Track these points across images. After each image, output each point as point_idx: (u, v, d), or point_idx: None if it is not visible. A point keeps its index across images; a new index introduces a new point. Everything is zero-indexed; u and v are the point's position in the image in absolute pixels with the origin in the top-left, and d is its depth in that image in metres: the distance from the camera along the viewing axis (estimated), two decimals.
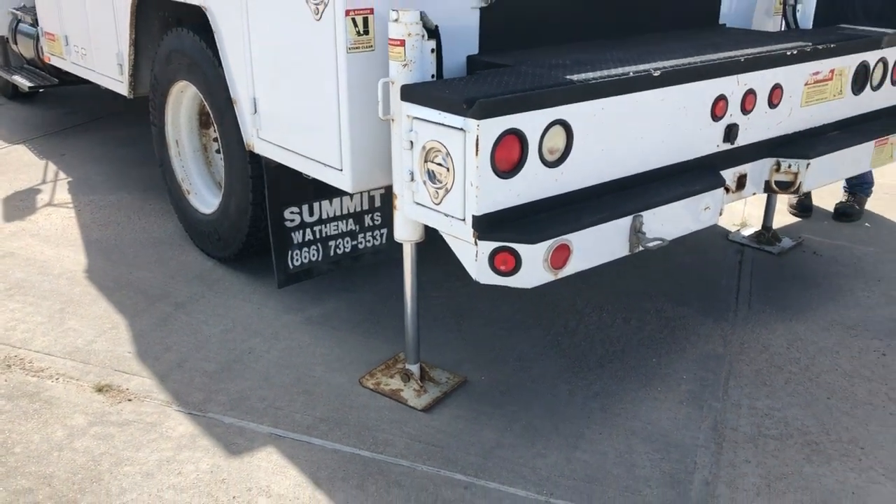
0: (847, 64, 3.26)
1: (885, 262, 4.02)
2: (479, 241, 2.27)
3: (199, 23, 3.30)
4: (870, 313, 3.50)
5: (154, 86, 3.91)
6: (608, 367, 3.06)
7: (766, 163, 3.08)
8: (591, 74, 2.47)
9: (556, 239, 2.31)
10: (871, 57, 3.36)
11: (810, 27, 3.77)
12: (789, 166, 3.07)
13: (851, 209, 4.52)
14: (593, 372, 3.03)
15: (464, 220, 2.28)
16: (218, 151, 3.72)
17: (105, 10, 4.07)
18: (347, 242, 3.39)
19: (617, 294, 3.63)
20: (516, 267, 2.29)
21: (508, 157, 2.25)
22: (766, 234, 4.18)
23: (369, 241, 3.43)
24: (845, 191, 4.62)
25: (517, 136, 2.25)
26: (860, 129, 3.42)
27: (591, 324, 3.38)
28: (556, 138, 2.35)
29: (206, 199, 3.84)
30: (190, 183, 3.93)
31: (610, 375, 3.01)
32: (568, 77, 2.43)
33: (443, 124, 2.24)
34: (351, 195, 3.30)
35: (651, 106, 2.57)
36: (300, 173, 2.98)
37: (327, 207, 3.29)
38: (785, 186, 3.11)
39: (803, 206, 4.58)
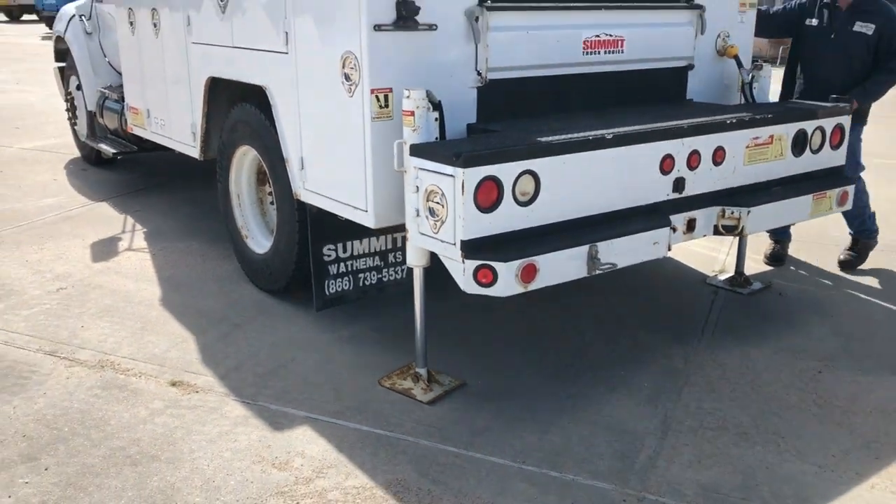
0: (786, 131, 3.96)
1: (842, 304, 4.61)
2: (465, 260, 2.99)
3: (260, 99, 4.15)
4: (817, 342, 4.10)
5: (221, 150, 4.77)
6: (583, 377, 3.71)
7: (714, 210, 3.76)
8: (557, 137, 3.22)
9: (525, 259, 3.02)
10: (808, 126, 4.05)
11: (767, 101, 4.49)
12: (732, 213, 3.75)
13: (780, 255, 5.18)
14: (570, 380, 3.68)
15: (454, 244, 3.01)
16: (272, 203, 4.52)
17: (183, 89, 4.98)
18: (374, 275, 4.14)
19: (600, 322, 4.29)
20: (494, 280, 3.00)
21: (488, 197, 2.99)
22: (739, 278, 4.80)
23: (392, 274, 4.18)
24: (772, 239, 5.24)
25: (494, 181, 2.99)
26: (802, 184, 4.08)
27: (575, 344, 4.04)
28: (527, 184, 3.09)
29: (260, 242, 4.64)
30: (248, 229, 4.74)
31: (584, 383, 3.66)
32: (538, 138, 3.18)
33: (439, 172, 3.00)
34: (377, 236, 4.06)
35: (606, 161, 3.30)
36: (336, 216, 3.75)
37: (358, 246, 4.06)
38: (730, 230, 3.78)
39: (776, 257, 5.20)
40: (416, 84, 3.31)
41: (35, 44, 22.53)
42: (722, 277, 4.88)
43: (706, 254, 5.34)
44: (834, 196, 4.15)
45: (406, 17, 3.28)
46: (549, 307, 4.38)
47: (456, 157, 2.92)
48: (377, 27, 3.24)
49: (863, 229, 5.13)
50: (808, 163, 4.13)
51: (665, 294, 4.72)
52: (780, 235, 5.24)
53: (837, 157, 4.27)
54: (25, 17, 32.84)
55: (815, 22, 4.91)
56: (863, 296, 4.71)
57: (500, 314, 4.28)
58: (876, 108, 5.05)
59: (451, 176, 2.94)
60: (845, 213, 4.94)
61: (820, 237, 5.68)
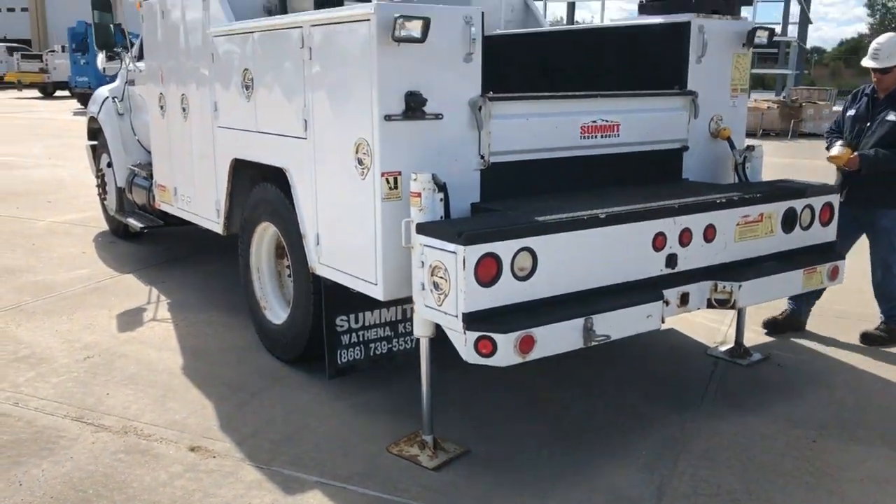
0: (775, 209, 4.18)
1: (838, 374, 4.74)
2: (466, 332, 3.20)
3: (280, 179, 4.44)
4: (812, 411, 4.23)
5: (243, 226, 5.06)
6: (583, 444, 3.86)
7: (706, 284, 3.96)
8: (553, 216, 3.46)
9: (522, 331, 3.22)
10: (797, 204, 4.28)
11: (759, 180, 4.72)
12: (724, 287, 3.94)
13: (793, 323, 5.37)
14: (571, 447, 3.83)
15: (457, 316, 3.22)
16: (289, 276, 4.77)
17: (209, 169, 5.31)
18: (384, 345, 4.35)
19: (602, 393, 4.45)
20: (494, 350, 3.20)
21: (487, 272, 3.22)
22: (739, 349, 4.96)
23: (402, 345, 4.38)
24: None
25: (494, 258, 3.22)
26: (793, 259, 4.28)
27: (577, 413, 4.19)
28: (525, 260, 3.31)
29: (277, 313, 4.88)
30: (266, 301, 4.98)
31: (584, 450, 3.81)
32: (536, 217, 3.42)
33: (442, 249, 3.23)
34: (388, 307, 4.28)
35: (600, 239, 3.53)
36: (349, 288, 3.98)
37: (369, 317, 4.28)
38: (723, 303, 3.97)
39: (785, 325, 5.36)
40: (424, 167, 3.58)
41: (67, 119, 23.42)
42: (722, 349, 5.03)
43: (708, 325, 5.50)
44: (824, 271, 4.34)
45: (414, 108, 3.57)
46: (552, 376, 4.55)
47: (458, 236, 3.16)
48: (387, 117, 3.53)
49: (892, 315, 5.20)
50: (799, 239, 4.33)
51: (666, 365, 4.87)
52: (798, 304, 5.37)
53: (828, 234, 4.47)
54: (59, 93, 34.12)
55: (853, 111, 5.22)
56: (859, 367, 4.84)
57: (505, 382, 4.46)
58: None
59: (454, 252, 3.17)
60: (876, 294, 5.18)
61: (821, 310, 5.82)
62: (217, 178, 5.21)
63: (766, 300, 4.22)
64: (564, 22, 38.57)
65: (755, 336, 5.29)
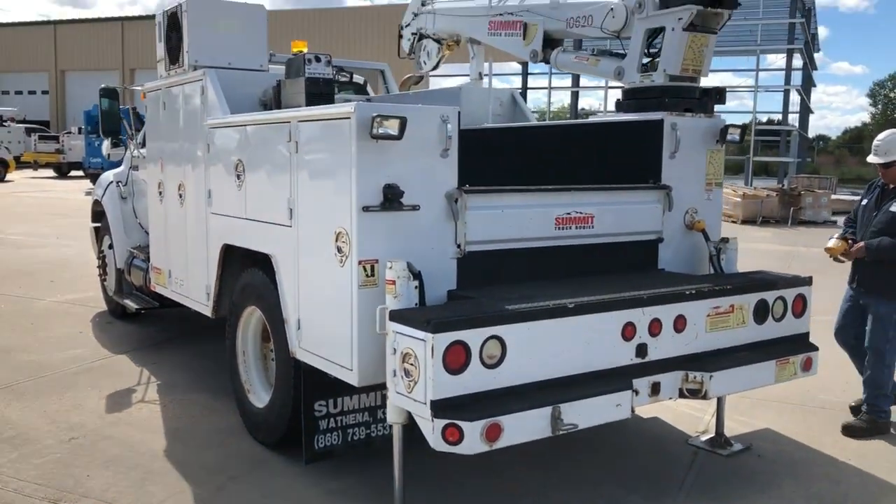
0: (746, 300, 4.27)
1: (818, 465, 4.73)
2: (434, 419, 3.27)
3: (267, 265, 4.58)
4: (787, 501, 4.21)
5: (231, 309, 5.17)
6: None
7: (678, 374, 4.02)
8: (522, 305, 3.56)
9: (489, 419, 3.28)
10: (769, 295, 4.37)
11: (734, 271, 4.83)
12: (695, 377, 4.00)
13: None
14: None
15: (425, 403, 3.29)
16: (273, 359, 4.86)
17: (201, 254, 5.46)
18: (362, 431, 4.40)
19: (581, 481, 4.45)
20: (461, 438, 3.26)
21: (456, 360, 3.30)
22: (720, 439, 4.97)
23: (380, 430, 4.43)
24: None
25: (463, 345, 3.31)
26: (766, 350, 4.34)
27: (552, 502, 4.19)
28: (493, 348, 3.40)
29: (260, 396, 4.94)
30: (250, 384, 5.05)
31: None
32: (506, 306, 3.53)
33: (412, 336, 3.33)
34: (367, 392, 4.35)
35: (569, 328, 3.62)
36: (327, 373, 4.06)
37: (348, 402, 4.35)
38: (694, 393, 4.02)
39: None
40: (401, 256, 3.71)
41: (80, 199, 23.87)
42: (703, 438, 5.04)
43: (691, 414, 5.51)
44: (797, 362, 4.40)
45: (392, 199, 3.73)
46: (531, 462, 4.56)
47: (427, 323, 3.26)
48: (365, 208, 3.69)
49: (874, 404, 5.24)
50: (772, 330, 4.40)
51: (647, 454, 4.88)
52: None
53: (801, 325, 4.54)
54: (73, 173, 34.86)
55: (865, 201, 5.47)
56: (839, 459, 4.83)
57: (483, 469, 4.47)
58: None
59: (423, 340, 3.27)
60: (865, 379, 5.28)
61: (804, 400, 5.84)
62: (209, 262, 5.35)
63: (738, 390, 4.27)
64: (569, 109, 39.53)
65: (737, 425, 5.30)
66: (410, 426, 3.59)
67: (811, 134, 71.14)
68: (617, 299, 3.80)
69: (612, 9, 5.05)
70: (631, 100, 4.96)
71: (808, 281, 4.57)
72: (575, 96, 38.70)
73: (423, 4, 7.12)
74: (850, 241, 5.33)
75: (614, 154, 4.96)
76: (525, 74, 40.15)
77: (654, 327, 3.91)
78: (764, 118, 43.90)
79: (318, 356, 4.08)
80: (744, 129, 5.01)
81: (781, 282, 4.46)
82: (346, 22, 42.86)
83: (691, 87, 4.82)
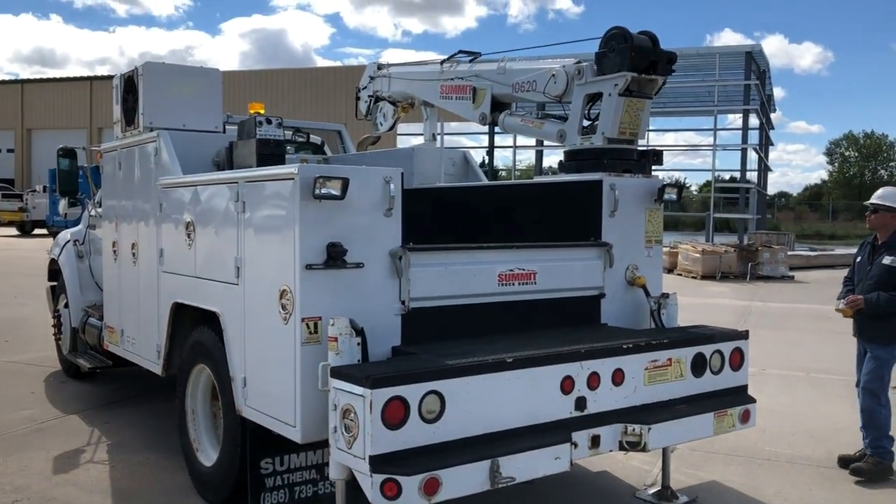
0: (684, 354, 4.39)
1: None
2: (373, 474, 3.31)
3: (215, 323, 4.63)
4: None
5: (181, 367, 5.19)
6: None
7: (617, 427, 4.10)
8: (461, 360, 3.64)
9: (427, 473, 3.33)
10: (706, 349, 4.50)
11: (675, 325, 4.96)
12: (634, 430, 4.08)
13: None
14: None
15: (364, 459, 3.34)
16: (222, 418, 4.86)
17: (152, 312, 5.49)
18: (310, 488, 4.41)
19: None
20: (399, 493, 3.30)
21: (395, 415, 3.36)
22: (666, 492, 5.03)
23: (327, 487, 4.44)
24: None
25: (401, 401, 3.38)
26: (705, 402, 4.45)
27: None
28: (432, 403, 3.47)
29: (209, 455, 4.93)
30: (199, 442, 5.04)
31: None
32: (445, 361, 3.61)
33: (352, 392, 3.39)
34: (314, 449, 4.37)
35: (508, 382, 3.70)
36: (273, 431, 4.09)
37: (295, 459, 4.37)
38: (633, 445, 4.11)
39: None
40: (345, 313, 3.79)
41: (41, 258, 23.52)
42: (650, 491, 5.10)
43: (640, 467, 5.58)
44: (736, 414, 4.51)
45: (335, 257, 3.83)
46: None
47: (366, 379, 3.33)
48: (309, 266, 3.78)
49: (878, 445, 5.50)
50: (711, 383, 4.52)
51: None
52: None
53: (739, 378, 4.66)
54: (37, 231, 34.48)
55: (860, 258, 5.87)
56: None
57: None
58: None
59: (362, 396, 3.33)
60: (864, 422, 5.55)
61: (751, 452, 5.94)
62: (159, 320, 5.38)
63: (677, 442, 4.37)
64: (533, 167, 40.19)
65: (685, 478, 5.37)
66: (356, 483, 3.62)
67: (773, 191, 72.76)
68: (555, 353, 3.90)
69: (553, 75, 5.28)
70: (572, 161, 5.15)
71: (744, 335, 4.72)
72: (539, 155, 39.44)
73: (378, 69, 7.35)
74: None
75: (557, 213, 5.13)
76: (491, 133, 40.88)
77: (593, 381, 4.01)
78: (727, 176, 44.92)
79: (263, 413, 4.11)
80: (680, 188, 5.21)
81: (718, 336, 4.60)
82: (317, 80, 43.49)
83: (629, 148, 5.03)
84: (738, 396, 4.63)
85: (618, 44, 4.86)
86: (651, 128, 43.59)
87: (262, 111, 5.74)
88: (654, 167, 5.21)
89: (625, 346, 4.16)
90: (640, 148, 5.17)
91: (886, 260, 5.51)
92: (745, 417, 4.56)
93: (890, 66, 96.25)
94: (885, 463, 5.45)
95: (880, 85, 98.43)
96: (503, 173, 46.85)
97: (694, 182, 61.37)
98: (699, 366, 4.46)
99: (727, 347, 4.61)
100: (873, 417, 5.52)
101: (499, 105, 5.97)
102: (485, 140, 42.54)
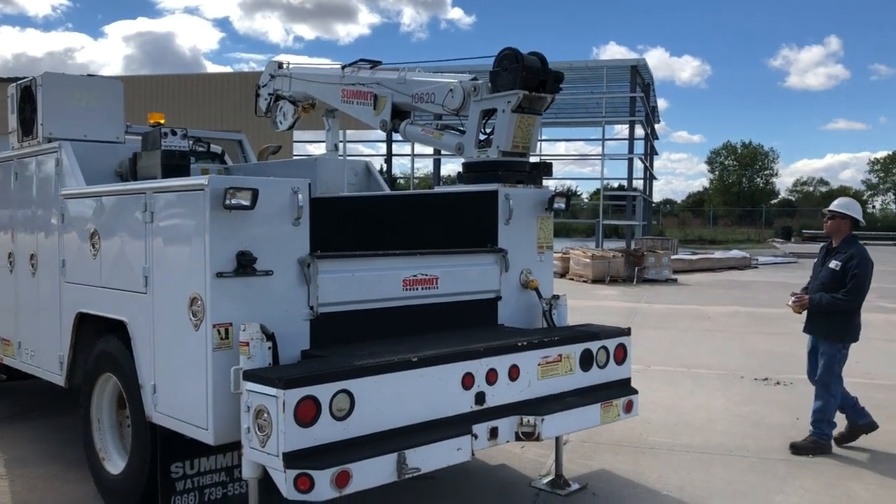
0: (572, 350, 4.76)
1: (641, 500, 5.24)
2: (286, 470, 3.50)
3: (122, 332, 4.68)
4: None
5: (85, 378, 5.19)
6: None
7: (514, 419, 4.42)
8: (369, 360, 3.88)
9: (338, 467, 3.54)
10: (593, 345, 4.88)
11: (565, 324, 5.34)
12: (528, 421, 4.41)
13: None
14: None
15: (278, 456, 3.52)
16: (128, 426, 4.90)
17: (54, 323, 5.46)
18: (219, 490, 4.53)
19: None
20: (311, 486, 3.50)
21: (306, 414, 3.56)
22: (559, 480, 5.40)
23: (236, 489, 4.57)
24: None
25: (313, 400, 3.58)
26: (593, 394, 4.84)
27: None
28: (342, 402, 3.68)
29: (116, 463, 4.96)
30: (106, 451, 5.06)
31: None
32: (354, 362, 3.83)
33: (265, 394, 3.57)
34: (223, 453, 4.49)
35: (413, 380, 3.96)
36: (184, 435, 4.19)
37: (205, 463, 4.48)
38: (528, 435, 4.43)
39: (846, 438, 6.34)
40: (255, 318, 3.96)
41: None
42: (545, 481, 5.46)
43: (536, 459, 5.94)
44: (620, 404, 4.91)
45: (245, 265, 3.99)
46: None
47: (278, 380, 3.51)
48: (219, 274, 3.93)
49: (818, 428, 6.21)
50: (597, 376, 4.91)
51: (493, 497, 5.24)
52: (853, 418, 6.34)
53: (623, 371, 5.08)
54: None
55: (817, 260, 6.55)
56: (661, 492, 5.36)
57: None
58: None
59: (275, 396, 3.51)
60: (813, 410, 6.25)
61: (638, 442, 6.41)
62: (62, 331, 5.36)
63: (567, 431, 4.73)
64: (432, 175, 40.66)
65: (578, 467, 5.77)
66: (266, 482, 3.78)
67: (659, 198, 75.95)
68: (456, 352, 4.18)
69: (451, 90, 5.59)
70: (470, 172, 5.46)
71: (627, 332, 5.14)
72: (437, 163, 39.97)
73: (279, 67, 7.42)
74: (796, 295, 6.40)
75: (457, 221, 5.43)
76: (389, 142, 41.16)
77: (491, 377, 4.31)
78: (616, 184, 46.72)
79: (174, 418, 4.21)
80: (568, 197, 5.61)
81: (604, 333, 5.00)
82: (206, 87, 42.56)
83: (522, 161, 5.38)
84: (623, 388, 5.04)
85: (510, 63, 5.21)
86: (544, 138, 44.90)
87: (162, 121, 5.81)
88: (545, 178, 5.58)
89: (519, 344, 4.49)
90: (532, 160, 5.53)
91: (832, 264, 6.17)
92: (628, 407, 4.97)
93: (763, 80, 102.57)
94: (821, 442, 6.15)
95: (755, 97, 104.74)
96: (401, 181, 47.21)
97: (585, 190, 63.34)
98: (587, 361, 4.85)
99: (612, 344, 5.01)
100: (822, 406, 6.18)
101: (399, 113, 6.21)
102: (383, 148, 42.81)
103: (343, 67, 6.67)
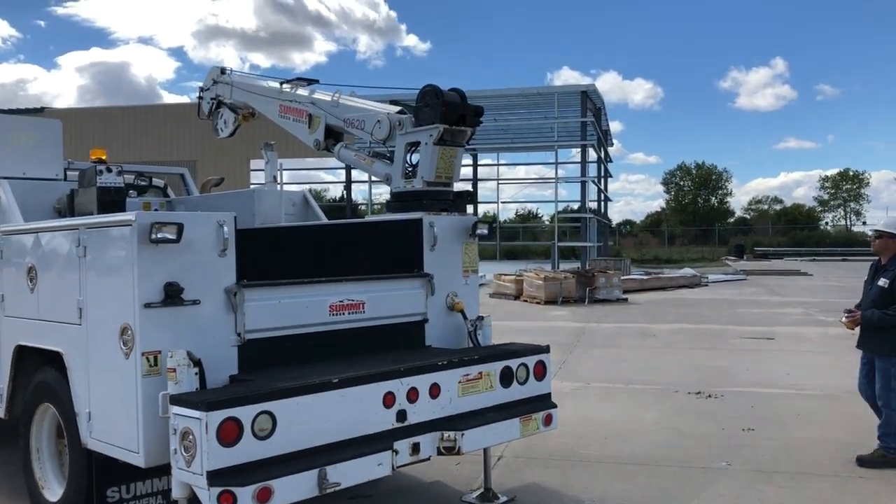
0: (493, 368, 5.04)
1: None
2: (210, 487, 3.71)
3: (59, 362, 4.85)
4: None
5: (25, 408, 5.33)
6: None
7: (435, 434, 4.68)
8: (291, 383, 4.11)
9: (259, 483, 3.76)
10: (513, 363, 5.17)
11: (489, 343, 5.63)
12: (449, 436, 4.67)
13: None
14: None
15: (202, 474, 3.73)
16: (67, 454, 5.05)
17: None
18: None
19: None
20: (234, 502, 3.71)
21: (229, 435, 3.78)
22: (488, 493, 5.65)
23: None
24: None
25: (235, 421, 3.80)
26: (513, 409, 5.11)
27: None
28: (264, 422, 3.91)
29: (55, 490, 5.10)
30: (45, 480, 5.20)
31: None
32: (277, 385, 4.07)
33: (189, 416, 3.79)
34: (159, 476, 4.68)
35: (334, 400, 4.20)
36: (118, 461, 4.38)
37: (140, 487, 4.66)
38: (449, 450, 4.69)
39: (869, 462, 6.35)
40: (184, 346, 4.18)
41: None
42: (475, 494, 5.71)
43: (468, 475, 6.18)
44: (539, 418, 5.19)
45: (172, 296, 4.22)
46: None
47: (201, 403, 3.74)
48: (147, 305, 4.14)
49: (884, 442, 6.31)
50: (517, 392, 5.19)
51: None
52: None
53: (543, 387, 5.37)
54: None
55: (867, 278, 6.71)
56: (586, 502, 5.64)
57: None
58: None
59: (198, 419, 3.73)
60: (880, 423, 6.33)
61: (569, 455, 6.69)
62: (1, 364, 5.50)
63: (488, 445, 5.00)
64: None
65: (509, 481, 6.02)
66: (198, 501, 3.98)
67: (619, 218, 77.14)
68: (377, 372, 4.43)
69: (378, 120, 5.89)
70: (396, 202, 5.75)
71: (546, 349, 5.43)
72: (348, 187, 40.14)
73: (222, 73, 7.63)
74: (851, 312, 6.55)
75: (385, 248, 5.71)
76: (348, 169, 41.37)
77: (412, 395, 4.57)
78: (575, 206, 47.44)
79: (108, 444, 4.40)
80: (490, 223, 5.93)
81: (524, 350, 5.29)
82: (163, 117, 42.48)
83: (445, 190, 5.69)
84: (542, 403, 5.32)
85: (431, 99, 5.54)
86: (502, 162, 45.60)
87: (103, 157, 6.02)
88: (468, 205, 5.89)
89: (440, 363, 4.75)
90: (455, 189, 5.84)
91: (881, 281, 6.41)
92: (547, 421, 5.25)
93: (714, 101, 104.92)
94: (888, 456, 6.28)
95: (706, 118, 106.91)
96: (362, 208, 47.41)
97: (546, 213, 64.12)
98: (507, 377, 5.13)
99: (531, 361, 5.30)
100: (887, 419, 6.32)
101: (334, 134, 6.48)
102: (343, 175, 43.05)
103: (281, 84, 6.91)
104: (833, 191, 78.97)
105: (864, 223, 73.07)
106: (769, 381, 9.84)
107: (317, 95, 6.59)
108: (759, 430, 7.40)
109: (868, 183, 77.04)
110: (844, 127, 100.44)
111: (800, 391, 9.26)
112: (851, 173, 77.00)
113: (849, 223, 74.86)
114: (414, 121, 5.67)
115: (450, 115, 5.50)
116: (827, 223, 75.45)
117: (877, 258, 6.69)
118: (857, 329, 6.51)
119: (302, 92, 6.71)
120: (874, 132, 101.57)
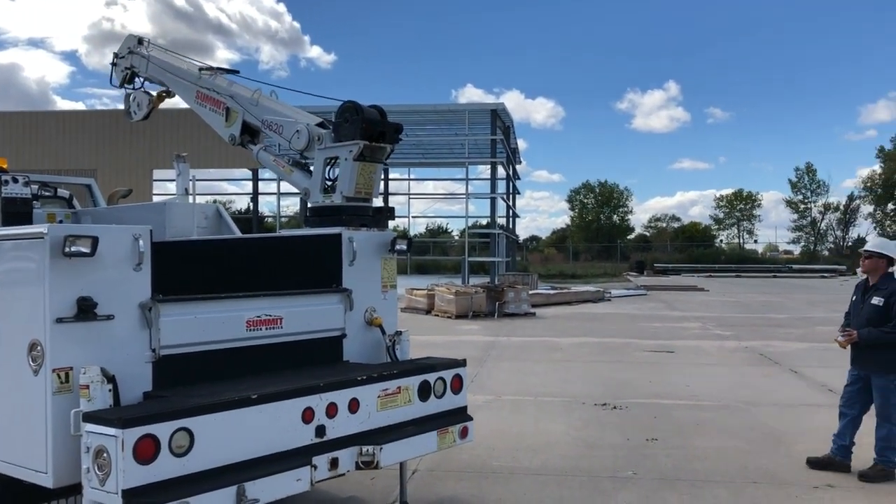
0: (411, 382, 5.11)
1: None
2: None
3: None
4: None
5: None
6: None
7: (354, 449, 4.70)
8: (209, 399, 4.07)
9: (176, 501, 3.71)
10: (430, 377, 5.25)
11: (407, 358, 5.70)
12: (368, 451, 4.71)
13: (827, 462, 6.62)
14: None
15: (117, 493, 3.65)
16: None
17: None
18: None
19: None
20: None
21: (146, 452, 3.71)
22: None
23: None
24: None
25: (152, 438, 3.74)
26: (430, 422, 5.19)
27: None
28: (182, 439, 3.85)
29: None
30: None
31: None
32: (195, 401, 4.02)
33: (104, 434, 3.70)
34: (67, 497, 4.52)
35: (253, 416, 4.17)
36: (23, 481, 4.21)
37: None
38: (368, 464, 4.72)
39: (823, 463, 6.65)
40: (97, 362, 4.07)
41: None
42: None
43: (384, 489, 6.22)
44: (456, 431, 5.29)
45: (85, 310, 4.11)
46: None
47: (117, 420, 3.66)
48: (59, 320, 4.02)
49: (884, 455, 6.48)
50: (435, 406, 5.27)
51: None
52: (841, 455, 6.60)
53: (459, 400, 5.46)
54: None
55: (855, 297, 6.85)
56: None
57: None
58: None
59: (114, 436, 3.65)
60: (878, 438, 6.49)
61: (481, 468, 6.81)
62: None
63: (406, 458, 5.07)
64: (299, 214, 40.46)
65: (427, 493, 6.08)
66: None
67: (526, 234, 78.52)
68: (296, 388, 4.43)
69: (297, 130, 5.89)
70: (315, 217, 5.77)
71: (463, 363, 5.54)
72: (305, 203, 39.84)
73: (139, 43, 7.35)
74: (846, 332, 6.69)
75: (303, 263, 5.71)
76: (255, 180, 40.77)
77: (331, 410, 4.58)
78: (484, 221, 48.09)
79: (12, 464, 4.23)
80: (410, 240, 6.00)
81: (441, 364, 5.39)
82: (58, 125, 40.78)
83: (364, 206, 5.75)
84: (459, 416, 5.42)
85: (351, 115, 5.59)
86: (412, 177, 45.88)
87: (4, 166, 5.80)
88: (390, 220, 5.97)
89: (359, 378, 4.79)
90: (375, 205, 5.90)
91: (874, 300, 6.58)
92: (463, 433, 5.35)
93: (612, 122, 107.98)
94: (887, 470, 6.45)
95: (606, 138, 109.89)
96: (269, 220, 46.68)
97: (456, 228, 64.69)
98: (425, 391, 5.20)
99: (448, 375, 5.39)
100: (886, 435, 6.45)
101: (251, 131, 6.40)
102: (249, 186, 42.33)
103: (200, 70, 6.76)
104: (728, 209, 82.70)
105: (756, 241, 76.93)
106: (670, 393, 10.26)
107: (236, 89, 6.47)
108: (661, 440, 7.72)
109: (760, 203, 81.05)
110: (735, 148, 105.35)
111: (699, 402, 9.70)
112: (745, 193, 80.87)
113: (742, 241, 78.56)
114: (333, 136, 5.71)
115: (370, 131, 5.57)
116: (721, 241, 78.92)
117: (864, 278, 6.94)
118: (842, 346, 6.70)
119: (220, 82, 6.58)
120: (762, 155, 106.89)
